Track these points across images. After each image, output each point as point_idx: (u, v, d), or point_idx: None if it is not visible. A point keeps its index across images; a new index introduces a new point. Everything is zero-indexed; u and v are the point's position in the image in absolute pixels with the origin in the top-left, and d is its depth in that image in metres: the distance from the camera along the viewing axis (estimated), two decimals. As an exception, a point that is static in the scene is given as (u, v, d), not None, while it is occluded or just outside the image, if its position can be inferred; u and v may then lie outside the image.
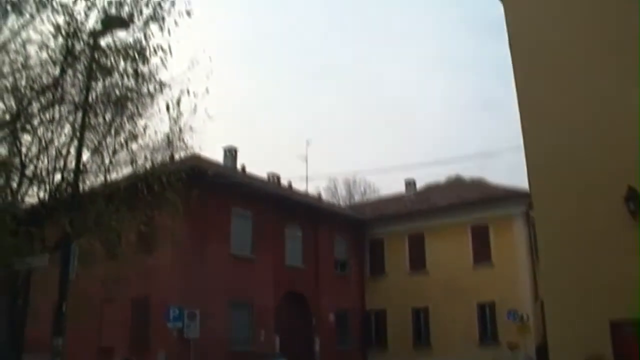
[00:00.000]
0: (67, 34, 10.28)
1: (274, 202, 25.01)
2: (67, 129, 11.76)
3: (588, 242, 8.89)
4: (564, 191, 9.23)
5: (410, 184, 32.99)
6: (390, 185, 56.77)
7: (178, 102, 11.21)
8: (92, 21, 10.46)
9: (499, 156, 65.90)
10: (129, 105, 11.62)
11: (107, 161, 11.96)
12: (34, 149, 11.97)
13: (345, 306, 28.13)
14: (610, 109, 8.64)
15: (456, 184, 31.65)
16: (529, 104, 9.51)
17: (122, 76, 11.14)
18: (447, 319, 25.80)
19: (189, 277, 20.33)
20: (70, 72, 10.94)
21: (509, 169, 40.54)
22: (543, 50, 9.26)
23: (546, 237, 9.62)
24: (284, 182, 30.27)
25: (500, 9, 10.15)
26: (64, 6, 10.10)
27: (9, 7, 9.91)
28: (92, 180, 12.07)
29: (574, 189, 9.09)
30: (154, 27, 10.53)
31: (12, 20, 10.03)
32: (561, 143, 9.21)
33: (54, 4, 10.05)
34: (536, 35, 9.23)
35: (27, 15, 10.03)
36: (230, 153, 27.90)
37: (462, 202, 27.84)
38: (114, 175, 12.24)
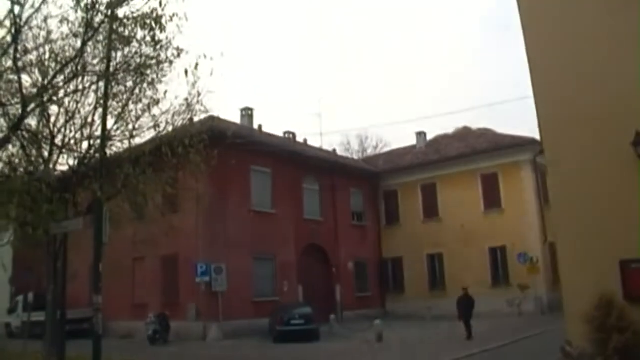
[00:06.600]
0: (86, 6, 10.45)
1: (291, 158, 25.56)
2: (92, 98, 12.16)
3: (598, 186, 9.17)
4: (574, 136, 9.46)
5: (420, 135, 33.21)
6: (402, 138, 57.08)
7: (196, 67, 11.33)
8: (110, -7, 10.58)
9: (504, 105, 65.49)
10: (149, 72, 11.88)
11: (131, 127, 12.38)
12: (62, 120, 12.42)
13: (363, 255, 29.04)
14: (619, 56, 8.81)
15: (464, 134, 31.86)
16: (538, 53, 9.69)
17: (140, 44, 11.38)
18: (460, 264, 26.63)
19: (213, 234, 21.16)
20: (91, 43, 11.16)
21: (513, 118, 40.39)
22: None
23: (557, 181, 9.89)
24: (299, 139, 30.71)
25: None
26: (81, -21, 10.24)
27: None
28: (118, 146, 12.53)
29: (584, 134, 9.31)
30: (168, -6, 10.55)
31: (33, -3, 10.14)
32: (570, 91, 9.43)
33: (71, -23, 10.18)
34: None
35: (47, -10, 10.15)
36: (247, 113, 28.37)
37: (471, 151, 28.37)
38: (138, 140, 12.71)
